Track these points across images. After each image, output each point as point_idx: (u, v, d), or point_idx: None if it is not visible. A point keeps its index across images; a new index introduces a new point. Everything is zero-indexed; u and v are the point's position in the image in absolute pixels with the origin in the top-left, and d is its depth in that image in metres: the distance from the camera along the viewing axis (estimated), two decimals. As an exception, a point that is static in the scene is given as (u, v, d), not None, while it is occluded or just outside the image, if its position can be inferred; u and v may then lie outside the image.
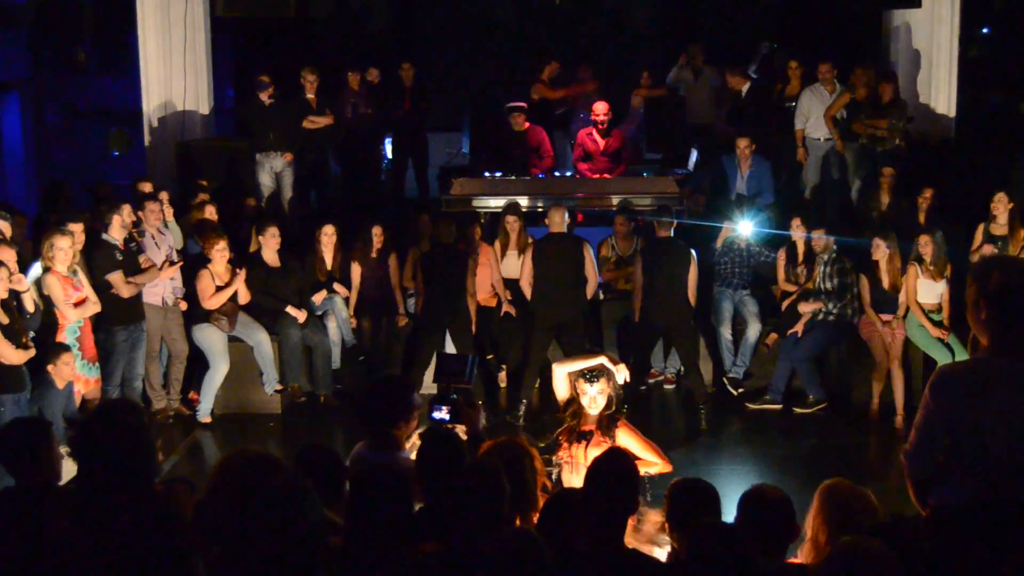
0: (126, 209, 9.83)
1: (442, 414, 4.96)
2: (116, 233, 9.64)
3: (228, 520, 3.38)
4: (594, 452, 5.99)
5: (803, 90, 13.08)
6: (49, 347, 8.64)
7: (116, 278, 9.52)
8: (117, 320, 9.60)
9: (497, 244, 11.14)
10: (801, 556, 4.50)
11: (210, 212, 11.13)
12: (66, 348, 8.74)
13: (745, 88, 13.40)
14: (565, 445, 6.15)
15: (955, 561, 3.76)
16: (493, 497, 4.00)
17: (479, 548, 3.77)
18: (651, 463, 6.13)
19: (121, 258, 9.63)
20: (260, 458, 3.91)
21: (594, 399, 6.16)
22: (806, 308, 10.42)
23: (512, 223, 11.09)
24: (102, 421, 3.80)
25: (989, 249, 10.53)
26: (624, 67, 15.19)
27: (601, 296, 11.06)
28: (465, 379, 5.24)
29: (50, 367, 8.49)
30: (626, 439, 6.12)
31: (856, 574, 3.46)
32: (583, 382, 6.16)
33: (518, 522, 4.52)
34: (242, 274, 10.22)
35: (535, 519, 4.61)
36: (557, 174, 12.97)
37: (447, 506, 4.04)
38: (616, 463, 4.49)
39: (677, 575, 4.18)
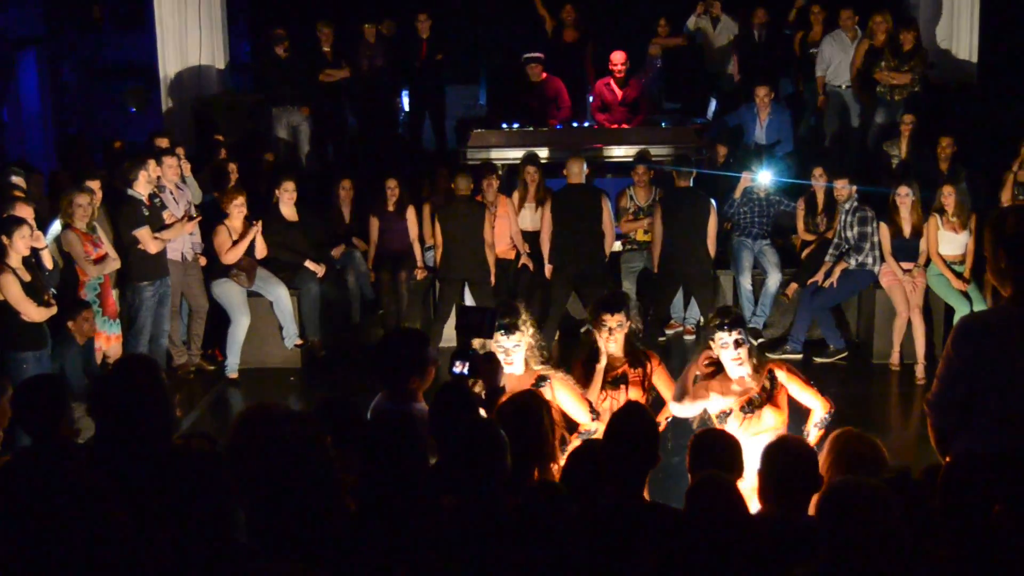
0: (151, 165, 9.80)
1: (461, 368, 4.95)
2: (142, 189, 9.63)
3: (247, 474, 3.38)
4: (634, 391, 6.00)
5: (824, 37, 12.97)
6: (69, 304, 8.67)
7: (144, 233, 9.52)
8: (144, 276, 9.60)
9: (515, 196, 11.09)
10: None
11: (231, 169, 11.13)
12: (86, 304, 8.76)
13: (765, 24, 13.33)
14: (605, 394, 6.09)
15: (971, 509, 3.75)
16: (490, 451, 3.98)
17: (496, 501, 3.78)
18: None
19: (148, 214, 9.63)
20: (279, 412, 3.91)
21: (612, 331, 6.08)
22: (837, 270, 10.32)
23: (532, 174, 11.02)
24: (117, 378, 3.80)
25: (1011, 181, 10.45)
26: (641, 16, 14.98)
27: (620, 247, 11.01)
28: (486, 332, 5.21)
29: (70, 323, 8.52)
30: (660, 374, 6.17)
31: (849, 510, 3.45)
32: (604, 314, 6.08)
33: (536, 474, 4.53)
34: (258, 225, 10.21)
35: (555, 470, 4.61)
36: (575, 124, 12.89)
37: (447, 462, 4.03)
38: (634, 417, 4.47)
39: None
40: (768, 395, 5.73)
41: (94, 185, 9.34)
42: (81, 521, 2.91)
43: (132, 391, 3.83)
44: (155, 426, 3.81)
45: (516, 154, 11.64)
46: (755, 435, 5.56)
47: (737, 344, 5.73)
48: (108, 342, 9.12)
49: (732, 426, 5.64)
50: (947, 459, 4.16)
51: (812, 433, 5.85)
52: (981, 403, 4.07)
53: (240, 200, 10.18)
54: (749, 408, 5.69)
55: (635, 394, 6.03)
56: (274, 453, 3.39)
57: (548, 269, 10.56)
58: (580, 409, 5.79)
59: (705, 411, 5.89)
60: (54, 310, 8.23)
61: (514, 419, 4.53)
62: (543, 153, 11.54)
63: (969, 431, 4.10)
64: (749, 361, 5.77)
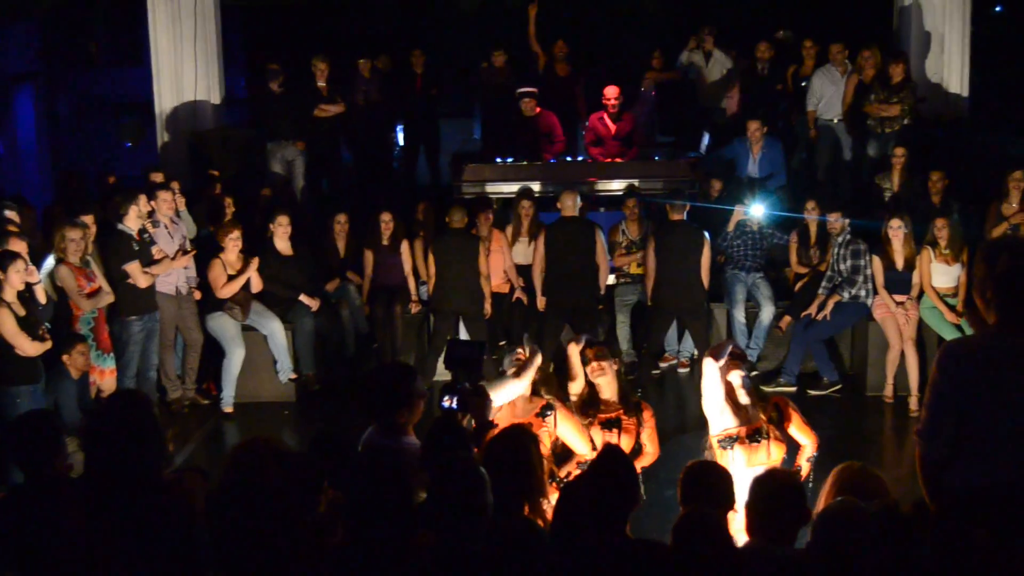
0: (142, 199, 9.83)
1: (450, 403, 4.96)
2: (132, 223, 9.65)
3: (238, 509, 3.39)
4: (626, 438, 6.06)
5: (815, 71, 13.07)
6: (64, 338, 8.67)
7: (134, 268, 9.54)
8: (132, 310, 9.61)
9: (509, 230, 11.14)
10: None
11: (228, 203, 11.17)
12: (81, 338, 8.77)
13: (769, 58, 13.41)
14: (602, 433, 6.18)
15: (961, 544, 3.77)
16: (471, 489, 3.99)
17: (476, 539, 3.79)
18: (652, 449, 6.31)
19: (137, 248, 9.65)
20: (271, 448, 3.93)
21: (593, 371, 6.24)
22: (830, 303, 10.36)
23: (527, 208, 11.07)
24: (108, 413, 3.81)
25: (1005, 227, 10.51)
26: (633, 50, 15.07)
27: (613, 280, 11.04)
28: (474, 371, 5.22)
29: (65, 357, 8.52)
30: (649, 428, 6.28)
31: (839, 533, 3.47)
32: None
33: (527, 509, 4.53)
34: (254, 262, 10.24)
35: (544, 505, 4.62)
36: (569, 159, 12.94)
37: (431, 499, 4.03)
38: (613, 460, 4.48)
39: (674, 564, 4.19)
40: (777, 426, 5.79)
41: (87, 219, 9.37)
42: (73, 558, 2.92)
43: (123, 426, 3.83)
44: (146, 461, 3.81)
45: (510, 188, 11.70)
46: (753, 467, 5.59)
47: (744, 384, 5.82)
48: (102, 376, 9.11)
49: (736, 455, 5.68)
50: (931, 495, 4.18)
51: (803, 467, 5.90)
52: (968, 433, 4.10)
53: (236, 234, 10.21)
54: (756, 438, 5.73)
55: (627, 441, 6.11)
56: (264, 489, 3.41)
57: (541, 301, 10.58)
58: (580, 440, 5.87)
59: (707, 438, 5.93)
60: (48, 344, 8.23)
61: (503, 454, 4.54)
62: (536, 187, 11.59)
63: (959, 462, 4.12)
64: (750, 395, 5.83)
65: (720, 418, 5.81)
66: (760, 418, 5.81)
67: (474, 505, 3.97)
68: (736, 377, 5.84)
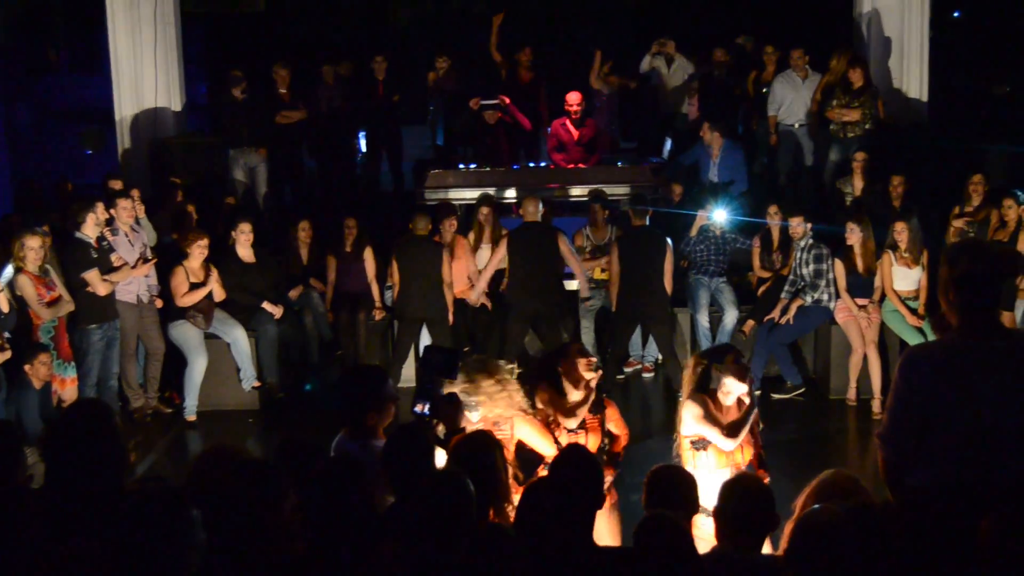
0: (99, 207, 9.75)
1: (422, 409, 4.96)
2: (90, 231, 9.57)
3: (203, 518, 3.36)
4: (592, 438, 6.08)
5: (775, 76, 13.14)
6: (26, 347, 8.59)
7: (92, 276, 9.46)
8: (91, 319, 9.53)
9: (471, 236, 11.14)
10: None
11: (191, 210, 11.11)
12: (43, 348, 8.70)
13: (725, 64, 13.50)
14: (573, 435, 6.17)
15: (925, 544, 3.80)
16: (462, 504, 3.98)
17: (449, 548, 3.77)
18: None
19: (96, 256, 9.57)
20: (234, 456, 3.91)
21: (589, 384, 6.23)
22: (793, 307, 10.42)
23: (486, 214, 11.12)
24: (68, 423, 3.78)
25: (961, 224, 10.59)
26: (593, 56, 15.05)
27: (576, 285, 11.05)
28: (450, 372, 5.23)
29: (27, 367, 8.45)
30: (613, 416, 6.29)
31: (816, 539, 3.49)
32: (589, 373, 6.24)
33: (492, 515, 4.53)
34: (214, 274, 10.17)
35: (509, 511, 4.61)
36: (531, 164, 12.95)
37: (416, 513, 4.01)
38: (576, 460, 4.48)
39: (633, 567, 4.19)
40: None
41: (46, 228, 9.29)
42: (33, 569, 2.89)
43: (83, 435, 3.80)
44: (106, 470, 3.78)
45: (473, 194, 11.71)
46: (723, 468, 5.69)
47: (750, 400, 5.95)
48: (63, 385, 9.03)
49: (709, 457, 5.72)
50: (895, 495, 4.21)
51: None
52: (930, 435, 4.13)
53: (204, 242, 10.10)
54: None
55: (594, 441, 6.09)
56: (231, 500, 3.39)
57: (477, 293, 10.58)
58: (544, 442, 5.86)
59: (677, 438, 5.95)
60: (8, 354, 8.16)
61: (468, 460, 4.53)
62: (499, 192, 11.60)
63: (920, 464, 4.15)
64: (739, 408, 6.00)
65: (694, 424, 5.84)
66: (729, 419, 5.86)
67: (463, 521, 3.94)
68: (738, 389, 5.90)
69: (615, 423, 6.32)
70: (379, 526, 4.02)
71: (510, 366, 6.03)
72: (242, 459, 3.74)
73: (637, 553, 3.95)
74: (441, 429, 5.19)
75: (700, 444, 5.78)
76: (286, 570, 3.55)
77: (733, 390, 5.91)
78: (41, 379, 8.54)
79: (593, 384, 6.19)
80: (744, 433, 5.82)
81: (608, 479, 5.67)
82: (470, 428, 5.57)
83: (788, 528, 4.43)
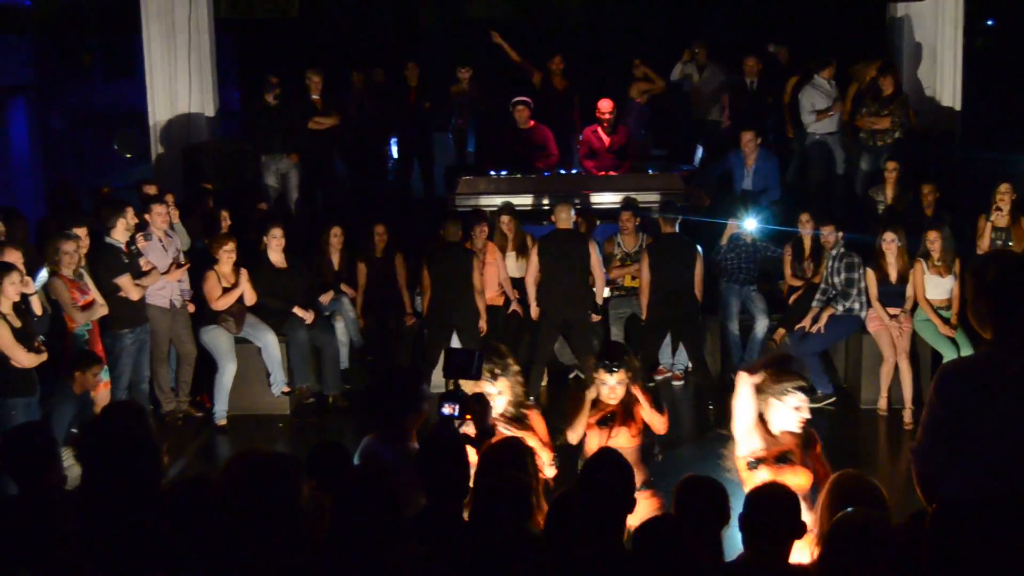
0: (130, 212, 9.81)
1: (451, 410, 4.97)
2: (120, 236, 9.62)
3: (234, 520, 3.39)
4: (621, 435, 6.23)
5: (806, 84, 13.09)
6: (81, 355, 8.66)
7: (125, 281, 9.52)
8: (123, 323, 9.59)
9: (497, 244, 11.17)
10: (809, 547, 4.52)
11: (223, 216, 11.15)
12: (98, 360, 8.75)
13: (757, 72, 13.45)
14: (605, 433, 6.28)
15: (958, 555, 3.77)
16: (519, 511, 4.00)
17: (479, 551, 3.78)
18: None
19: (127, 261, 9.64)
20: (267, 458, 3.92)
21: (613, 389, 6.32)
22: (824, 316, 10.35)
23: (507, 223, 11.15)
24: (104, 425, 3.81)
25: (988, 228, 10.51)
26: (628, 63, 15.05)
27: (608, 293, 11.05)
28: (472, 374, 5.25)
29: (78, 373, 8.49)
30: (645, 409, 6.43)
31: (856, 542, 3.47)
32: (603, 372, 6.31)
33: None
34: (244, 273, 10.22)
35: (539, 518, 4.60)
36: (563, 172, 12.96)
37: (473, 517, 4.00)
38: (608, 464, 4.44)
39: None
40: (804, 452, 5.64)
41: (81, 232, 9.35)
42: (68, 570, 2.92)
43: (119, 437, 3.83)
44: (143, 471, 3.81)
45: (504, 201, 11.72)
46: None
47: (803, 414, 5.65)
48: (97, 389, 9.07)
49: (762, 477, 5.58)
50: (933, 506, 4.17)
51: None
52: (965, 449, 4.10)
53: (231, 246, 10.19)
54: (782, 461, 5.60)
55: (626, 434, 6.16)
56: (261, 499, 3.41)
57: (535, 310, 10.55)
58: (540, 453, 5.87)
59: (733, 458, 5.84)
60: (44, 356, 8.21)
61: (502, 466, 4.53)
62: (530, 200, 11.61)
63: (954, 477, 4.12)
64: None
65: (748, 439, 5.68)
66: (788, 442, 5.71)
67: (519, 532, 3.95)
68: (796, 402, 5.60)
69: (646, 410, 6.48)
70: (406, 529, 4.02)
71: (508, 359, 6.11)
72: (275, 461, 3.76)
73: (636, 554, 3.95)
74: (470, 429, 5.20)
75: (754, 464, 5.65)
76: (310, 571, 3.57)
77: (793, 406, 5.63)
78: (85, 388, 8.59)
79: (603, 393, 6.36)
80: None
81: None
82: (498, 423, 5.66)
83: (813, 539, 4.43)
